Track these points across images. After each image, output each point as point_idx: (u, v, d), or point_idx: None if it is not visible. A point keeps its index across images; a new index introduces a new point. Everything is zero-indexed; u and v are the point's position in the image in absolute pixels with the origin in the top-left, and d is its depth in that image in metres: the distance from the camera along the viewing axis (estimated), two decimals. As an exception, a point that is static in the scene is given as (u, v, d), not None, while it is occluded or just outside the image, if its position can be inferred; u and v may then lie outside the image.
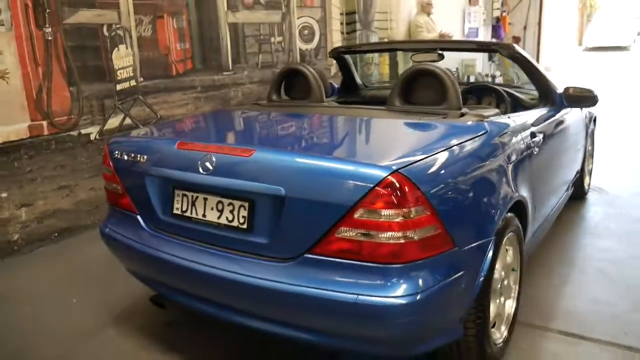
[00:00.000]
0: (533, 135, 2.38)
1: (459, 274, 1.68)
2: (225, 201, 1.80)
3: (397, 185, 1.52)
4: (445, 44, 3.43)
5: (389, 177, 1.52)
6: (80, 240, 3.50)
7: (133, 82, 3.94)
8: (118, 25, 3.79)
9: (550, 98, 2.99)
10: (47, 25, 3.35)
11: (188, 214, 1.90)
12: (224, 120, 2.63)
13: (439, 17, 8.33)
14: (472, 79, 9.99)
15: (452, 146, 1.81)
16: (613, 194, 4.10)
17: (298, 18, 5.54)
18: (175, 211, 1.93)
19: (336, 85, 3.68)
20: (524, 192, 2.15)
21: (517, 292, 2.24)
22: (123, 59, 3.85)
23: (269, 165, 1.72)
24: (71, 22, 3.49)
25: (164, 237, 1.98)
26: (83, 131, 3.62)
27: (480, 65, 10.98)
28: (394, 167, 1.54)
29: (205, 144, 1.93)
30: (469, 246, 1.72)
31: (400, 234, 1.54)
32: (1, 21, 3.13)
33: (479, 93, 3.14)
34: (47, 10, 3.34)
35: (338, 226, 1.58)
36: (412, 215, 1.54)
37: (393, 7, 7.38)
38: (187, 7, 4.32)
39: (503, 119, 2.24)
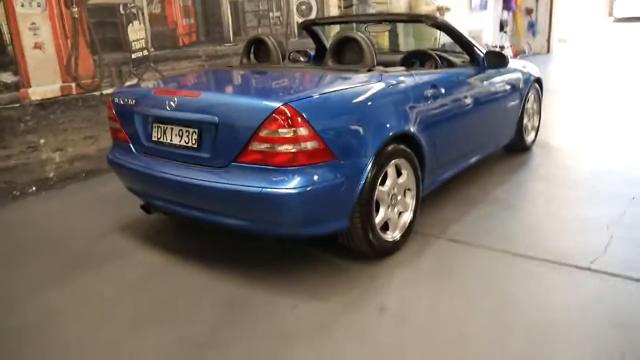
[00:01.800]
0: (434, 86, 3.05)
1: (340, 179, 2.41)
2: (184, 129, 2.57)
3: (287, 113, 2.26)
4: (385, 17, 4.10)
5: (281, 106, 2.26)
6: (103, 180, 4.34)
7: (145, 52, 4.75)
8: (132, 5, 4.59)
9: (475, 61, 3.64)
10: (74, 6, 4.18)
11: (161, 140, 2.69)
12: (196, 76, 3.41)
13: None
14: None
15: (341, 90, 2.53)
16: (556, 148, 4.69)
17: (296, -5, 6.22)
18: (153, 138, 2.73)
19: (312, 53, 4.41)
20: (415, 129, 2.83)
21: (413, 207, 2.94)
22: (137, 33, 4.66)
23: (208, 102, 2.49)
24: (93, 2, 4.31)
25: (146, 158, 2.78)
26: (104, 92, 4.46)
27: (491, 36, 11.38)
28: (285, 100, 2.28)
29: (172, 90, 2.71)
30: (348, 161, 2.44)
31: (291, 147, 2.28)
32: (38, 3, 3.97)
33: (422, 58, 3.78)
34: (74, -7, 4.17)
35: (251, 142, 2.33)
36: (298, 134, 2.27)
37: (393, -18, 7.95)
38: (191, -13, 5.08)
39: (403, 74, 2.92)
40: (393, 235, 2.82)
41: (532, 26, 12.04)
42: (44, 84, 4.07)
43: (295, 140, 2.29)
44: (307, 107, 2.32)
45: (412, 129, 2.81)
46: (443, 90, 3.12)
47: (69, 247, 3.14)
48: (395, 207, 2.83)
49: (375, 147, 2.55)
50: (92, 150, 4.43)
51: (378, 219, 2.70)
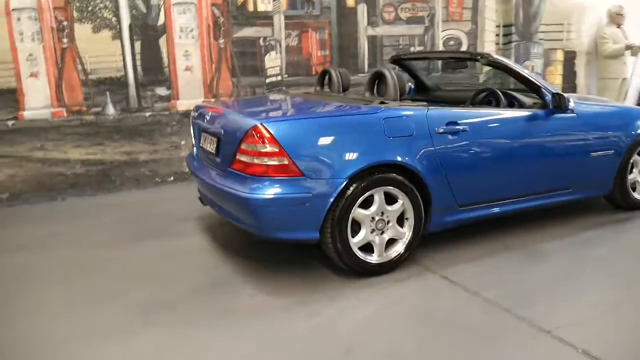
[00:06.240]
0: (453, 123, 3.07)
1: (304, 194, 2.72)
2: (211, 138, 3.19)
3: (259, 131, 2.69)
4: (446, 55, 4.12)
5: (257, 125, 2.71)
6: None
7: (279, 78, 5.57)
8: (271, 37, 5.46)
9: (542, 101, 3.46)
10: (221, 38, 5.21)
11: (203, 146, 3.35)
12: (252, 98, 4.03)
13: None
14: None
15: (319, 116, 2.88)
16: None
17: (443, 30, 6.39)
18: (201, 144, 3.42)
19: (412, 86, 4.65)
20: (415, 162, 2.93)
21: (409, 238, 3.02)
22: (273, 61, 5.51)
23: (224, 118, 3.07)
24: (238, 35, 5.30)
25: (197, 159, 3.49)
26: (239, 108, 5.41)
27: None
28: (261, 120, 2.72)
29: (212, 107, 3.35)
30: (316, 179, 2.73)
31: (262, 160, 2.71)
32: (193, 36, 5.10)
33: (493, 96, 3.72)
34: (222, 28, 5.20)
35: (237, 153, 2.82)
36: (267, 150, 2.68)
37: (574, 18, 7.39)
38: (329, 23, 5.75)
39: (411, 109, 3.03)
40: (375, 258, 2.96)
41: None
42: (189, 98, 5.17)
43: (265, 155, 2.70)
44: (278, 128, 2.72)
45: (408, 161, 2.92)
46: (467, 128, 3.11)
47: (157, 223, 4.03)
48: (384, 233, 2.97)
49: (350, 171, 2.77)
50: (221, 154, 5.40)
51: (357, 239, 2.90)
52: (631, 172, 3.91)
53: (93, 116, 4.84)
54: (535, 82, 3.47)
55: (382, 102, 3.08)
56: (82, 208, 4.53)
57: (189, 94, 5.17)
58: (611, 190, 3.86)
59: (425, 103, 3.20)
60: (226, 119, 3.06)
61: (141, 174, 5.09)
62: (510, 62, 3.49)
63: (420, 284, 2.91)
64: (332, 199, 2.76)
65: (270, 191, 2.71)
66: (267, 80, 5.53)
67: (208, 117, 3.24)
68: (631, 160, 3.86)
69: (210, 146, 3.21)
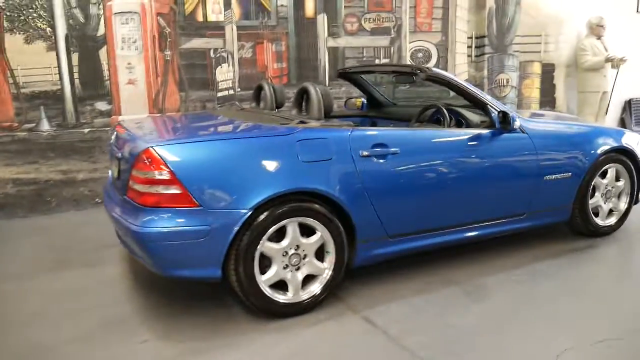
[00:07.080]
0: (381, 145, 2.75)
1: (205, 227, 2.40)
2: (116, 161, 2.88)
3: (150, 155, 2.38)
4: (384, 68, 3.83)
5: (147, 149, 2.39)
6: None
7: (231, 92, 5.27)
8: (223, 49, 5.17)
9: (489, 119, 3.15)
10: (167, 49, 4.92)
11: (111, 169, 3.04)
12: (171, 117, 3.76)
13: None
14: None
15: (218, 139, 2.59)
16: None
17: (411, 42, 6.10)
18: (111, 169, 3.11)
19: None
20: (335, 190, 2.60)
21: (329, 275, 2.69)
22: (225, 74, 5.21)
23: (126, 139, 2.75)
24: (186, 47, 5.01)
25: (109, 184, 3.17)
26: (188, 124, 5.10)
27: None
28: (151, 144, 2.40)
29: (120, 125, 3.04)
30: (214, 210, 2.40)
31: (153, 188, 2.39)
32: (136, 47, 4.81)
33: (440, 113, 3.39)
34: (169, 39, 4.91)
35: (130, 179, 2.50)
36: (157, 177, 2.37)
37: (552, 30, 7.09)
38: (286, 34, 5.46)
39: (331, 130, 2.72)
40: (286, 297, 2.63)
41: None
42: (133, 113, 4.86)
43: (156, 182, 2.38)
44: (171, 152, 2.40)
45: (325, 188, 2.60)
46: (397, 150, 2.79)
47: (80, 248, 3.70)
48: (300, 269, 2.64)
49: (255, 201, 2.45)
50: (168, 172, 5.08)
51: (266, 276, 2.57)
52: (592, 196, 3.58)
53: (26, 132, 4.54)
54: (481, 99, 3.16)
55: (301, 122, 2.77)
56: (7, 231, 4.21)
57: (132, 109, 4.86)
58: (570, 216, 3.53)
59: (351, 123, 2.89)
60: (125, 141, 2.75)
61: (80, 193, 4.77)
62: (453, 77, 3.18)
63: (338, 328, 2.57)
64: (234, 233, 2.44)
65: (162, 224, 2.39)
66: (219, 94, 5.23)
67: (113, 137, 2.94)
68: (592, 183, 3.53)
69: (114, 170, 2.90)
